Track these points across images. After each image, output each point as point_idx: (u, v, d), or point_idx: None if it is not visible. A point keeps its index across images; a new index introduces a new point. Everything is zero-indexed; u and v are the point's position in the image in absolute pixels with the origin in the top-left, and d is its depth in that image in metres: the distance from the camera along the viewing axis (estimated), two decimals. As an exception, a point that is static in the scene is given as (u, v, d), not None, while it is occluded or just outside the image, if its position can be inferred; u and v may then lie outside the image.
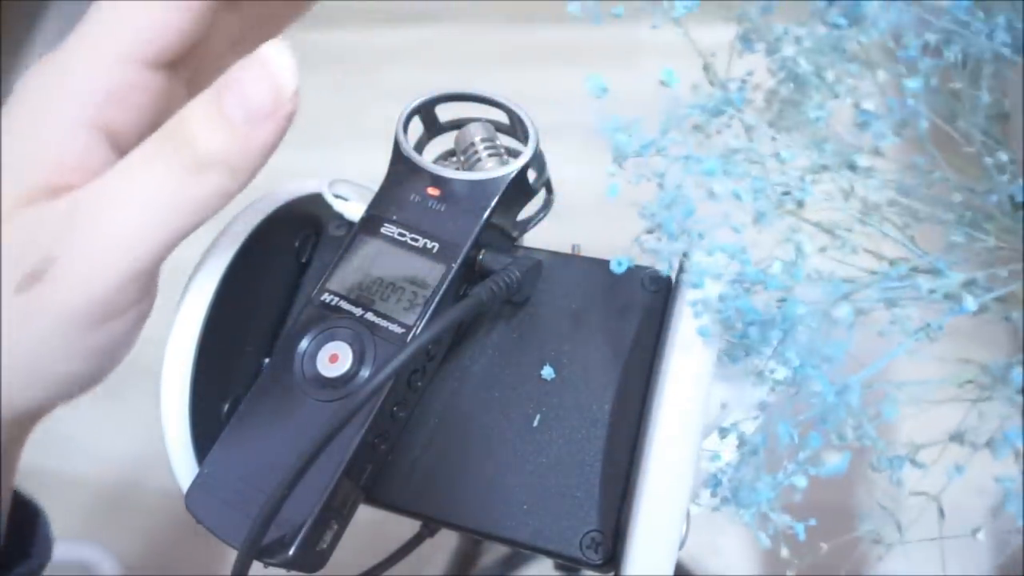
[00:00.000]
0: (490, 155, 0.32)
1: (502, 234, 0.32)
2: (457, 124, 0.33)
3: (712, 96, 0.25)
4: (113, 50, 0.24)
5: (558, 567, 0.60)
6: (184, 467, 0.30)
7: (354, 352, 0.28)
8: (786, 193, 0.24)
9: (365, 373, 0.28)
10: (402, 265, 0.30)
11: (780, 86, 0.26)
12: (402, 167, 0.32)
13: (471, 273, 0.31)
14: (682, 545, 0.25)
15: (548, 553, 0.28)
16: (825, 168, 0.24)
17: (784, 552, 0.24)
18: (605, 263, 0.33)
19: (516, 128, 0.33)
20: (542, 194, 0.34)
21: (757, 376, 0.23)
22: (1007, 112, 0.23)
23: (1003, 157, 0.22)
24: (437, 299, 0.29)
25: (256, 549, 0.25)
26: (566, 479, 0.29)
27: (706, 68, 0.27)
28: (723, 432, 0.24)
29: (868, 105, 0.23)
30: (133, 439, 1.05)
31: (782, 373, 0.22)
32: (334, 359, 0.28)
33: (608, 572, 0.28)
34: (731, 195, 0.23)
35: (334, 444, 0.24)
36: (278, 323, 0.35)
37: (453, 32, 1.29)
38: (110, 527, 1.00)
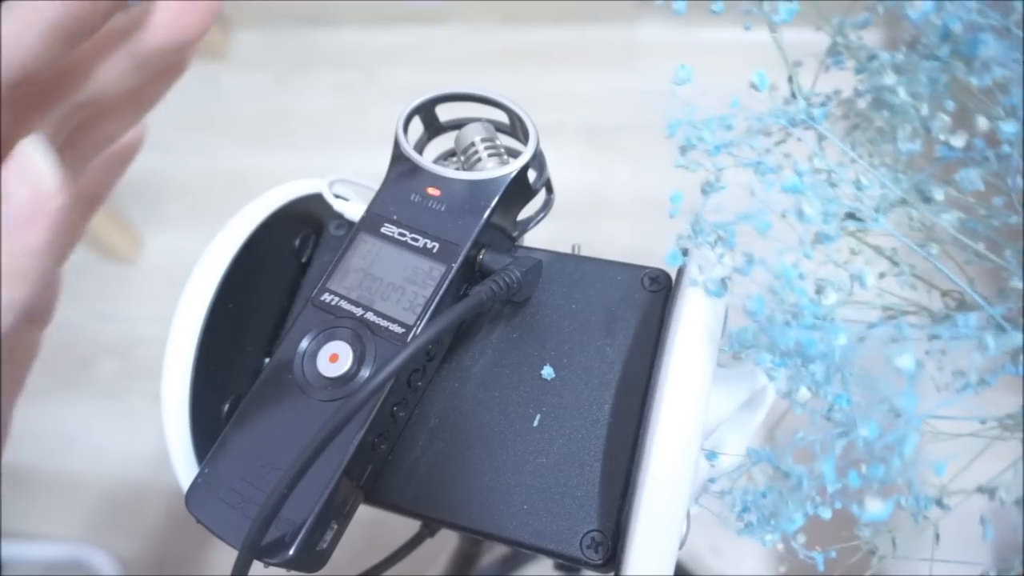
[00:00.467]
0: (490, 155, 0.32)
1: (502, 234, 0.32)
2: (457, 124, 0.33)
3: (790, 108, 0.25)
4: None
5: (558, 567, 0.60)
6: (184, 467, 0.30)
7: (354, 352, 0.28)
8: (851, 216, 0.23)
9: (365, 373, 0.28)
10: (402, 265, 0.30)
11: (872, 112, 0.26)
12: (402, 167, 0.32)
13: (471, 273, 0.31)
14: (682, 545, 0.25)
15: (548, 553, 0.28)
16: (904, 203, 0.24)
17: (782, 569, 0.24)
18: (605, 263, 0.33)
19: (516, 128, 0.33)
20: (542, 194, 0.34)
21: (796, 403, 0.22)
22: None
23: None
24: (437, 299, 0.29)
25: (256, 549, 0.25)
26: (566, 479, 0.29)
27: (791, 79, 0.26)
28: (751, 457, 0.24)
29: (958, 142, 0.23)
30: (133, 439, 1.05)
31: (836, 410, 0.21)
32: (334, 359, 0.28)
33: (608, 572, 0.28)
34: (795, 212, 0.22)
35: (334, 444, 0.24)
36: (278, 323, 0.35)
37: (453, 32, 1.29)
38: (110, 527, 1.00)
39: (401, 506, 0.30)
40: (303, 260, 0.36)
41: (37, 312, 0.26)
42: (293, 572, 0.26)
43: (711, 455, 0.28)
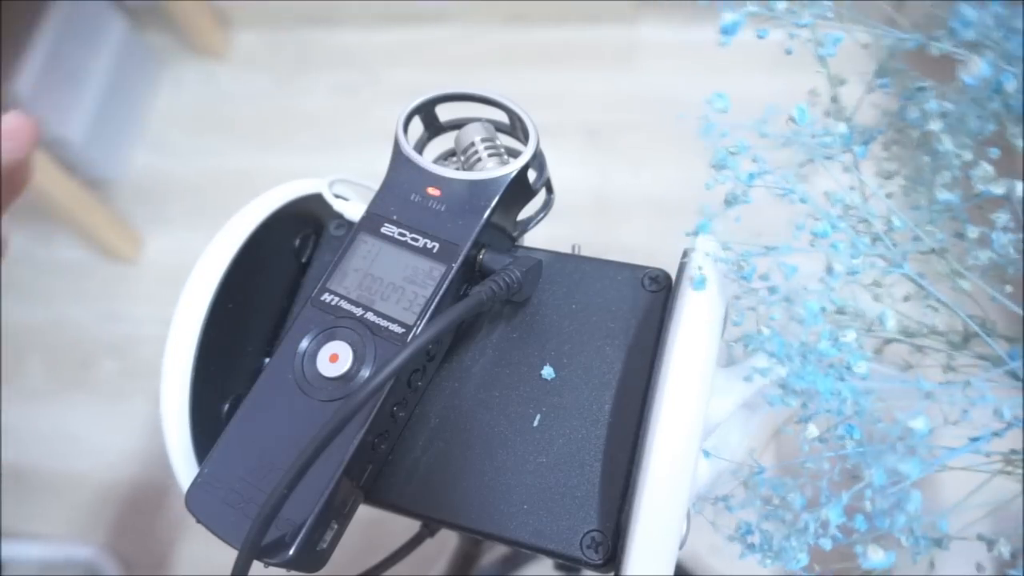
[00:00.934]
0: (490, 155, 0.32)
1: (502, 234, 0.32)
2: (457, 124, 0.33)
3: (831, 133, 0.25)
4: None
5: (558, 567, 0.60)
6: (184, 467, 0.30)
7: (354, 352, 0.28)
8: (877, 239, 0.23)
9: (365, 373, 0.28)
10: (402, 265, 0.30)
11: (915, 154, 0.25)
12: (402, 167, 0.32)
13: (471, 273, 0.31)
14: (682, 545, 0.25)
15: (548, 553, 0.28)
16: (934, 252, 0.24)
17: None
18: (605, 263, 0.33)
19: (516, 128, 0.33)
20: (542, 194, 0.34)
21: (805, 439, 0.22)
22: None
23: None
24: (437, 299, 0.29)
25: (256, 549, 0.25)
26: (566, 479, 0.29)
27: (834, 99, 0.26)
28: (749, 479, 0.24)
29: (999, 190, 0.23)
30: (134, 439, 1.05)
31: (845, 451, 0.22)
32: (334, 359, 0.28)
33: (608, 572, 0.28)
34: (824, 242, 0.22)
35: (334, 444, 0.24)
36: (278, 323, 0.35)
37: (453, 32, 1.28)
38: (110, 527, 1.00)
39: (401, 506, 0.30)
40: (303, 260, 0.36)
41: None
42: (293, 572, 0.26)
43: (708, 455, 0.28)
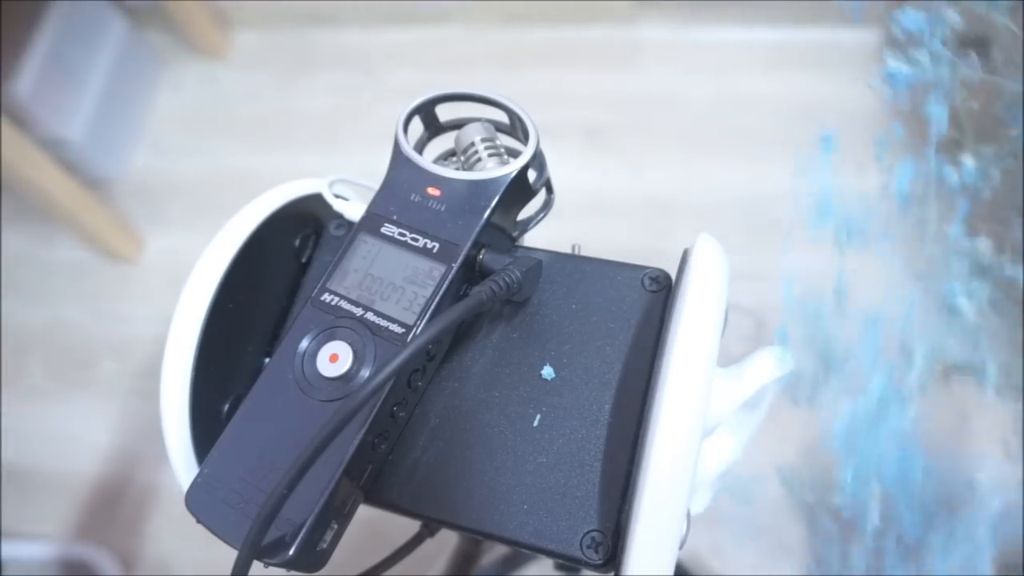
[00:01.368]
0: (490, 155, 0.32)
1: (502, 234, 0.32)
2: (457, 124, 0.33)
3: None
4: None
5: (558, 567, 0.60)
6: (184, 467, 0.30)
7: (354, 352, 0.28)
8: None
9: (365, 373, 0.28)
10: (402, 265, 0.30)
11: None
12: (402, 167, 0.32)
13: (471, 273, 0.31)
14: (682, 545, 0.25)
15: (548, 553, 0.28)
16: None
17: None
18: (605, 263, 0.33)
19: (516, 128, 0.33)
20: (542, 194, 0.34)
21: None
22: None
23: None
24: (437, 299, 0.29)
25: (256, 549, 0.25)
26: (566, 479, 0.29)
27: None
28: None
29: None
30: (134, 439, 1.05)
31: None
32: (334, 359, 0.28)
33: (608, 572, 0.28)
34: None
35: (334, 444, 0.24)
36: (278, 323, 0.35)
37: (453, 32, 1.28)
38: (110, 527, 1.00)
39: (401, 506, 0.30)
40: (303, 260, 0.36)
41: None
42: (293, 572, 0.26)
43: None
